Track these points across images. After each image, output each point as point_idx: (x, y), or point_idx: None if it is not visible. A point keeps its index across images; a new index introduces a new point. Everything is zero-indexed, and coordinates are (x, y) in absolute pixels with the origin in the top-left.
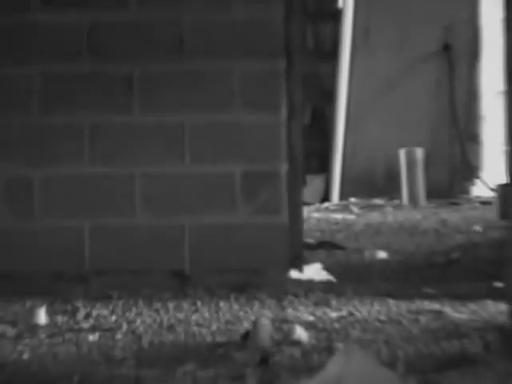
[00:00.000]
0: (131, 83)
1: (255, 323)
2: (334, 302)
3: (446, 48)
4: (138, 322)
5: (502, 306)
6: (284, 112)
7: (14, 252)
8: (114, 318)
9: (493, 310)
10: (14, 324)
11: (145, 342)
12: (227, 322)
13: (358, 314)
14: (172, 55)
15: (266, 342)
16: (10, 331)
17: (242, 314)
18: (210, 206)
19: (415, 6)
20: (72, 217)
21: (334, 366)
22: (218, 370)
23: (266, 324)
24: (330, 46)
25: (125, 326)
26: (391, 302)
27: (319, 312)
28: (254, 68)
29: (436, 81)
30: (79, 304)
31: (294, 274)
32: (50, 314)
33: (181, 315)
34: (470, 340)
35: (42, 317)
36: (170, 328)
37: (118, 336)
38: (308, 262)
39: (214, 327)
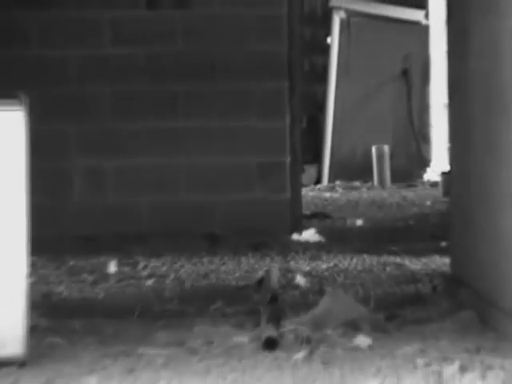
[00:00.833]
0: (176, 99)
1: (267, 272)
2: (324, 257)
3: (405, 72)
4: (182, 271)
5: (446, 260)
6: (287, 119)
7: (92, 220)
8: (164, 268)
9: (439, 262)
10: (92, 272)
11: (187, 285)
12: (246, 271)
13: (341, 266)
14: (206, 78)
15: (275, 285)
16: (89, 278)
17: (257, 265)
18: (235, 187)
19: (382, 40)
20: (135, 195)
21: (324, 304)
22: (238, 306)
23: (274, 272)
24: (321, 71)
25: (172, 275)
26: (366, 256)
27: (313, 264)
28: (265, 87)
29: (398, 96)
30: (139, 258)
31: (295, 236)
32: (118, 265)
33: (212, 266)
34: (422, 284)
35: (112, 267)
36: (205, 275)
37: (167, 281)
38: (305, 227)
39: (236, 275)
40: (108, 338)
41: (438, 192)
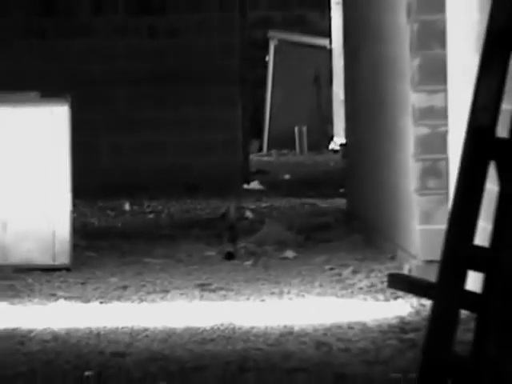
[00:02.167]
0: (165, 99)
1: (227, 209)
2: (264, 199)
3: (316, 79)
4: (172, 209)
5: (343, 201)
6: (239, 111)
7: (113, 176)
8: (160, 207)
9: (339, 202)
10: (113, 210)
11: (175, 218)
12: (214, 208)
13: (275, 205)
14: (186, 84)
15: (232, 217)
16: (112, 213)
17: (220, 204)
18: (206, 154)
19: (302, 58)
20: (141, 160)
21: (264, 229)
22: (209, 231)
23: (232, 209)
24: (262, 79)
25: (165, 211)
26: (292, 199)
27: (257, 204)
28: (225, 89)
29: (312, 94)
30: (144, 201)
31: (245, 186)
32: (130, 205)
33: (191, 205)
34: (328, 217)
35: (127, 206)
36: (186, 211)
37: (162, 216)
38: (251, 180)
39: (207, 211)
40: (124, 252)
41: (338, 157)
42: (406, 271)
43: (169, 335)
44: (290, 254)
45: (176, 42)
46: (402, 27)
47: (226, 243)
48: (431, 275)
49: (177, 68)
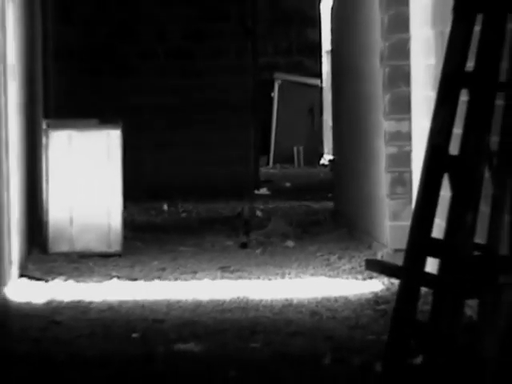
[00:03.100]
0: (191, 123)
1: (242, 209)
2: (270, 201)
3: (311, 109)
4: (199, 208)
5: (331, 203)
6: (252, 133)
7: (155, 183)
8: (190, 207)
9: (328, 204)
10: (155, 209)
11: (202, 216)
12: (232, 208)
13: (279, 206)
14: (209, 113)
15: (246, 215)
16: (153, 212)
17: (237, 205)
18: (226, 166)
19: (299, 94)
20: (175, 170)
21: (270, 225)
22: (228, 226)
23: (246, 209)
24: (269, 109)
25: (194, 211)
26: (292, 201)
27: (265, 205)
28: (241, 118)
29: (307, 122)
30: (178, 202)
31: (256, 191)
32: (168, 206)
33: (214, 206)
34: (319, 215)
35: (165, 207)
36: (210, 210)
37: (192, 214)
38: (261, 187)
39: (227, 210)
40: (163, 242)
41: (327, 170)
42: (379, 257)
43: (197, 306)
44: (290, 243)
45: (202, 80)
46: (376, 70)
47: (241, 235)
48: (399, 260)
49: (203, 101)
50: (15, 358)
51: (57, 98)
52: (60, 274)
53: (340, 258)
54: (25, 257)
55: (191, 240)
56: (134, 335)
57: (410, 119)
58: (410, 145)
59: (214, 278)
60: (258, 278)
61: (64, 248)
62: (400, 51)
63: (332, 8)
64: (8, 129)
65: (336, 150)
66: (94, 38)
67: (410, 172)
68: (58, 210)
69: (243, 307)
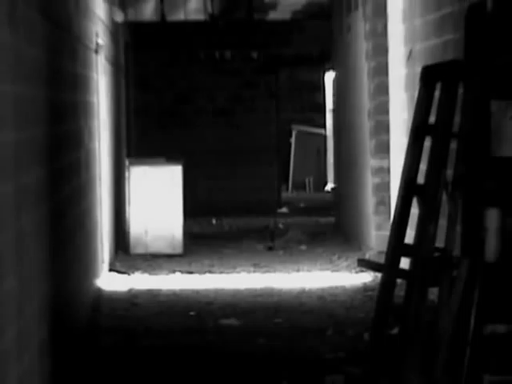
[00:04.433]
0: (231, 161)
1: (269, 223)
2: (288, 217)
3: (318, 151)
4: (238, 222)
5: (333, 218)
6: (275, 168)
7: (206, 203)
8: (231, 221)
9: (331, 219)
10: (206, 223)
11: (240, 228)
12: (261, 222)
13: (295, 221)
14: (243, 153)
15: (272, 227)
16: (205, 224)
17: (265, 220)
18: (256, 192)
19: (311, 139)
20: (216, 193)
21: (289, 234)
22: (259, 234)
23: (272, 222)
24: (288, 150)
25: (234, 224)
26: (305, 218)
27: (285, 220)
28: (269, 157)
29: (316, 159)
30: (223, 218)
31: (278, 210)
32: (216, 220)
33: (249, 221)
34: (324, 227)
35: (213, 221)
36: (246, 224)
37: (233, 227)
38: (282, 207)
39: (257, 224)
40: (212, 246)
41: (331, 195)
42: (367, 257)
43: (236, 292)
44: (303, 247)
45: (240, 131)
46: (365, 123)
47: (268, 241)
48: (381, 259)
49: (240, 145)
50: (106, 329)
51: (136, 143)
52: (138, 269)
53: (339, 258)
54: (113, 257)
55: (232, 244)
56: (191, 313)
57: (389, 158)
58: (389, 176)
59: (248, 272)
60: (280, 272)
61: (141, 251)
62: (382, 109)
63: (333, 79)
64: (101, 165)
65: (336, 180)
66: (163, 101)
67: (389, 196)
68: (137, 224)
69: (269, 293)
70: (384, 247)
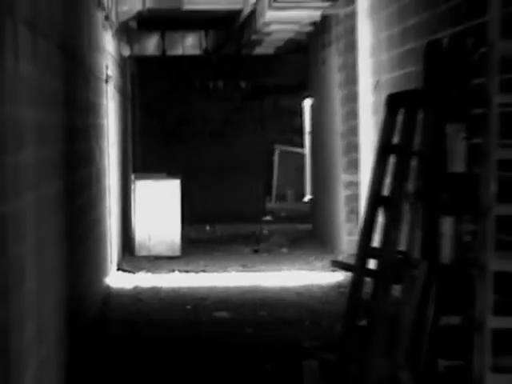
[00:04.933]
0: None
1: (255, 229)
2: (273, 225)
3: (298, 168)
4: (229, 229)
5: (310, 225)
6: (261, 182)
7: (201, 213)
8: (222, 228)
9: (308, 226)
10: (200, 229)
11: (230, 233)
12: (248, 229)
13: (278, 227)
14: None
15: (258, 233)
16: (200, 231)
17: (252, 227)
18: (246, 203)
19: (296, 158)
20: (209, 203)
21: (272, 238)
22: (246, 239)
23: (258, 229)
24: (271, 169)
25: (225, 230)
26: (286, 225)
27: (269, 227)
28: (255, 173)
29: (296, 175)
30: (215, 225)
31: (263, 218)
32: (209, 227)
33: (238, 227)
34: (303, 233)
35: (207, 227)
36: (236, 230)
37: (224, 232)
38: (266, 215)
39: (245, 230)
40: (206, 249)
41: (308, 205)
42: (340, 259)
43: (227, 289)
44: (284, 250)
45: (231, 150)
46: (338, 144)
47: (254, 245)
48: (352, 261)
49: (231, 163)
50: (114, 321)
51: (140, 160)
52: (142, 268)
53: (315, 259)
54: (120, 258)
55: (223, 248)
56: (188, 307)
57: (358, 173)
58: (358, 189)
59: (237, 272)
60: (265, 271)
61: (144, 253)
62: (352, 132)
63: (310, 105)
64: (110, 179)
65: (313, 192)
66: (164, 123)
67: (358, 206)
68: (141, 230)
69: (255, 290)
70: (354, 250)
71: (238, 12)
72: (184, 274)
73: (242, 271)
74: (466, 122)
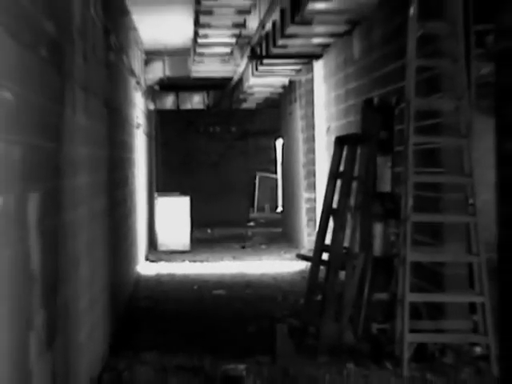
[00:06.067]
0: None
1: (242, 232)
2: (256, 228)
3: (272, 188)
4: (224, 231)
5: (281, 229)
6: (247, 199)
7: (208, 220)
8: (219, 230)
9: (280, 229)
10: (203, 232)
11: (224, 235)
12: (238, 231)
13: (259, 230)
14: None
15: (244, 234)
16: (203, 233)
17: (240, 230)
18: (235, 214)
19: (269, 183)
20: (210, 214)
21: (254, 239)
22: (236, 239)
23: (244, 232)
24: (253, 189)
25: (221, 232)
26: (264, 228)
27: (252, 230)
28: (243, 193)
29: (272, 194)
30: (214, 229)
31: (248, 224)
32: (210, 230)
33: (230, 230)
34: (276, 234)
35: (209, 231)
36: (229, 232)
37: (220, 234)
38: (250, 222)
39: (235, 232)
40: (208, 245)
41: (280, 214)
42: (302, 252)
43: (222, 274)
44: (263, 246)
45: (225, 176)
46: (301, 171)
47: (242, 243)
48: (311, 254)
49: (225, 186)
50: (143, 298)
51: (162, 183)
52: (162, 259)
53: (285, 253)
54: (147, 252)
55: (219, 245)
56: (195, 287)
57: (315, 192)
58: (315, 203)
59: (230, 262)
60: (249, 261)
61: (164, 248)
62: (311, 162)
63: (281, 144)
64: (139, 196)
65: (284, 206)
66: (177, 156)
67: (315, 215)
68: (161, 232)
69: (242, 275)
70: (312, 246)
71: (230, 78)
72: (192, 264)
73: (233, 261)
74: (391, 156)
